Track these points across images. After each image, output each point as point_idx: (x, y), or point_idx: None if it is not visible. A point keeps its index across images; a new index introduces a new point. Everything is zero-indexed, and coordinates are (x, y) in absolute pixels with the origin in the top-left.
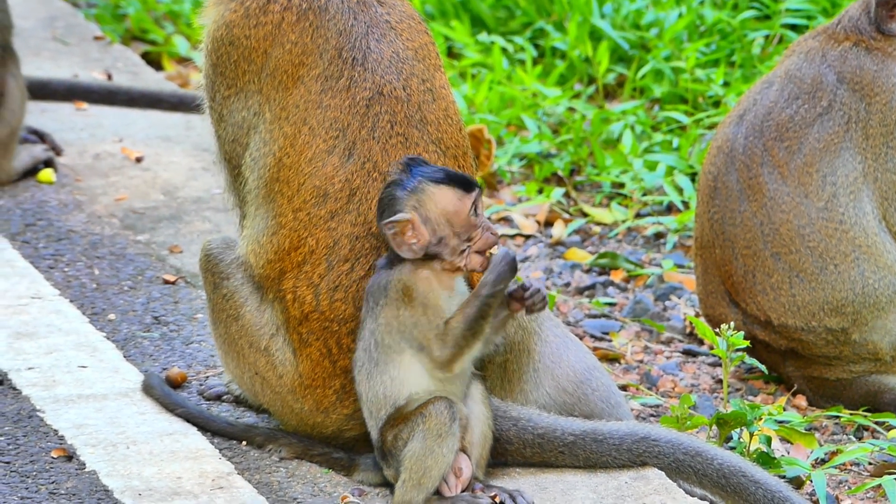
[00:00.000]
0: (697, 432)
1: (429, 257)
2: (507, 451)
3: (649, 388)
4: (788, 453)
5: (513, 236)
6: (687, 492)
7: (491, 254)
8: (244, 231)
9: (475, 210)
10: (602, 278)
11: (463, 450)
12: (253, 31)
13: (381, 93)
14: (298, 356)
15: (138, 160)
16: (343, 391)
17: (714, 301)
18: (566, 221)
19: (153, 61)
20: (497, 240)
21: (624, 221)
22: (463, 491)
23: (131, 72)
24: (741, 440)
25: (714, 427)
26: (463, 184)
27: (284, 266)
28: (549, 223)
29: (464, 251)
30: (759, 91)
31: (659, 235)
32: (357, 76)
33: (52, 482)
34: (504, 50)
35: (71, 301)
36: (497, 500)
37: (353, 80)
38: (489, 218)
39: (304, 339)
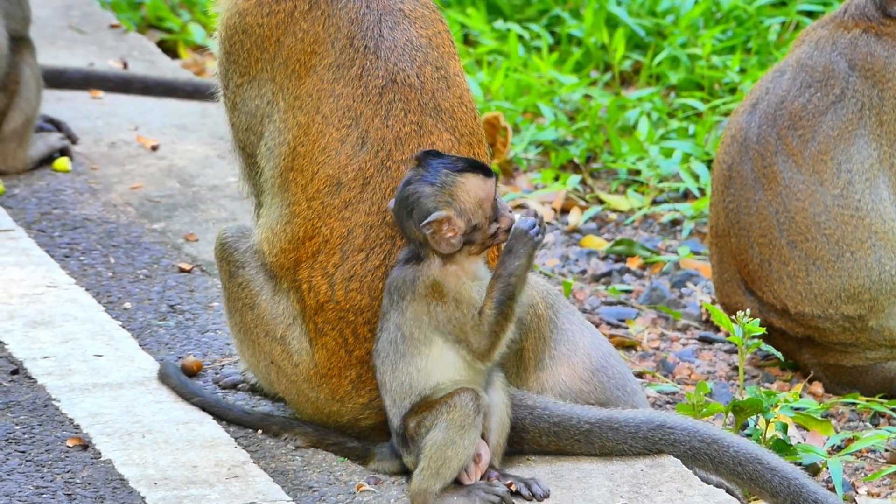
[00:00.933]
0: (713, 419)
1: (461, 245)
2: (524, 440)
3: (665, 376)
4: (804, 440)
5: None
6: (703, 479)
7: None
8: (259, 220)
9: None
10: (618, 265)
11: (481, 436)
12: (265, 19)
13: (394, 80)
14: (314, 346)
15: (154, 148)
16: (359, 380)
17: (730, 289)
18: (582, 209)
19: (169, 49)
20: (514, 217)
21: (640, 208)
22: (480, 478)
23: (147, 60)
24: (757, 427)
25: (730, 414)
26: (483, 169)
27: (300, 256)
28: (565, 210)
29: (495, 234)
30: (772, 80)
31: (675, 222)
32: (369, 64)
33: (68, 471)
34: (520, 37)
35: (86, 290)
36: (513, 488)
37: (364, 68)
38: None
39: (320, 329)
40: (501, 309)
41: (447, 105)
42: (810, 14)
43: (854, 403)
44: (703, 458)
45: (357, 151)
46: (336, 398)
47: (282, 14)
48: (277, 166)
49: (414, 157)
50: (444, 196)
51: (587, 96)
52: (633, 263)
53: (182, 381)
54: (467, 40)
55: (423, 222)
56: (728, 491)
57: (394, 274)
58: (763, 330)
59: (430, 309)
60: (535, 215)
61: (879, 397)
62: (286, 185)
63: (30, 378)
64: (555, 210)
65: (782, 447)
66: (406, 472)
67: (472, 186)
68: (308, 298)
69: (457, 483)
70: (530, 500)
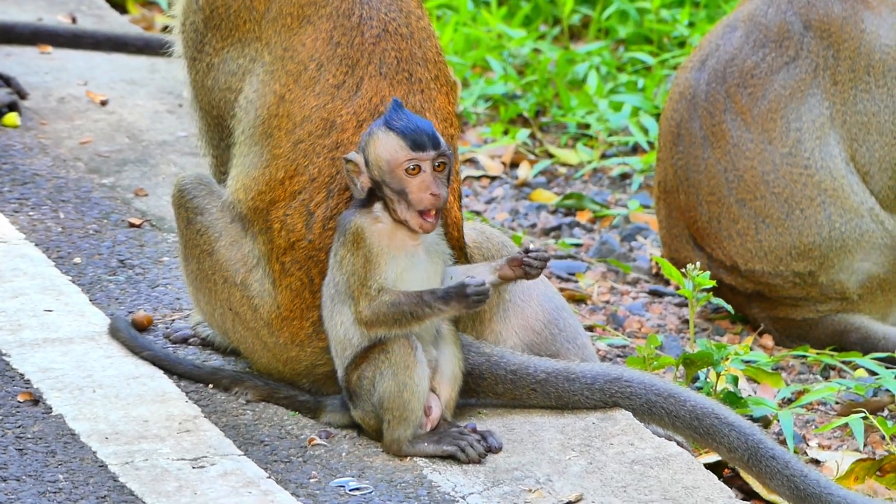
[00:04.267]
0: (664, 373)
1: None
2: (479, 387)
3: (616, 329)
4: (755, 393)
5: (478, 178)
6: (654, 434)
7: (435, 212)
8: (232, 171)
9: (418, 168)
10: (568, 219)
11: (432, 390)
12: None
13: (386, 30)
14: (278, 287)
15: (103, 103)
16: (321, 323)
17: (679, 245)
18: (532, 163)
19: (117, 4)
20: (435, 202)
21: (589, 162)
22: (432, 430)
23: (96, 15)
24: (708, 380)
25: (681, 367)
26: (414, 141)
27: (276, 196)
28: (514, 164)
29: (400, 205)
30: (722, 35)
31: (624, 176)
32: (365, 14)
33: (19, 426)
34: None
35: (36, 245)
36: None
37: (362, 17)
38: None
39: (286, 269)
40: (398, 317)
41: (431, 55)
42: None
43: (804, 356)
44: (659, 412)
45: (352, 96)
46: (296, 342)
47: None
48: (259, 116)
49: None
50: (363, 142)
51: (536, 50)
52: (582, 217)
53: (132, 335)
54: None
55: (343, 157)
56: (679, 444)
57: (344, 213)
58: (713, 283)
59: (345, 255)
60: (483, 284)
61: (829, 350)
62: (269, 132)
63: None
64: (504, 164)
65: (733, 400)
66: (357, 425)
67: (383, 145)
68: (278, 238)
69: (427, 434)
70: (485, 452)
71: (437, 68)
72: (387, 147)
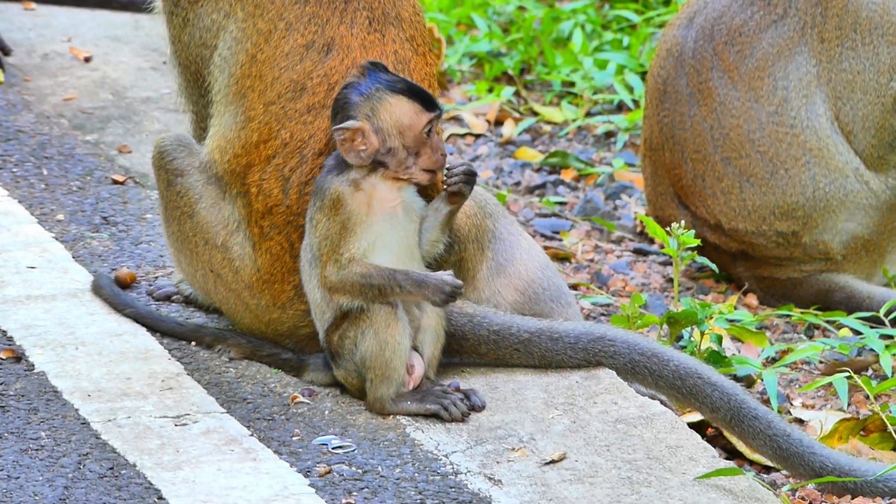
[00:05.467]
0: (648, 331)
1: (375, 165)
2: (462, 348)
3: (600, 288)
4: (739, 352)
5: (463, 135)
6: (638, 393)
7: (448, 170)
8: (210, 130)
9: (430, 129)
10: (552, 177)
11: (415, 348)
12: None
13: None
14: (258, 250)
15: (87, 60)
16: (301, 288)
17: (663, 203)
18: (516, 120)
19: None
20: (444, 160)
21: (574, 120)
22: (415, 389)
23: None
24: (692, 339)
25: (665, 326)
26: (423, 100)
27: (251, 159)
28: (499, 122)
29: (410, 166)
30: None
31: (609, 134)
32: None
33: (1, 383)
34: None
35: (19, 202)
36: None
37: None
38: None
39: (266, 233)
40: (365, 289)
41: (406, 14)
42: None
43: (788, 315)
44: (642, 371)
45: (322, 58)
46: (277, 305)
47: None
48: (233, 75)
49: (361, 64)
50: (367, 109)
51: (521, 8)
52: (567, 175)
53: (115, 293)
54: None
55: (336, 127)
56: (662, 403)
57: (319, 176)
58: (698, 242)
59: (321, 218)
60: (461, 284)
61: (814, 309)
62: (242, 92)
63: None
64: (489, 122)
65: (717, 359)
66: (340, 384)
67: (398, 109)
68: (256, 202)
69: (411, 393)
70: (469, 411)
71: (414, 28)
72: (405, 111)
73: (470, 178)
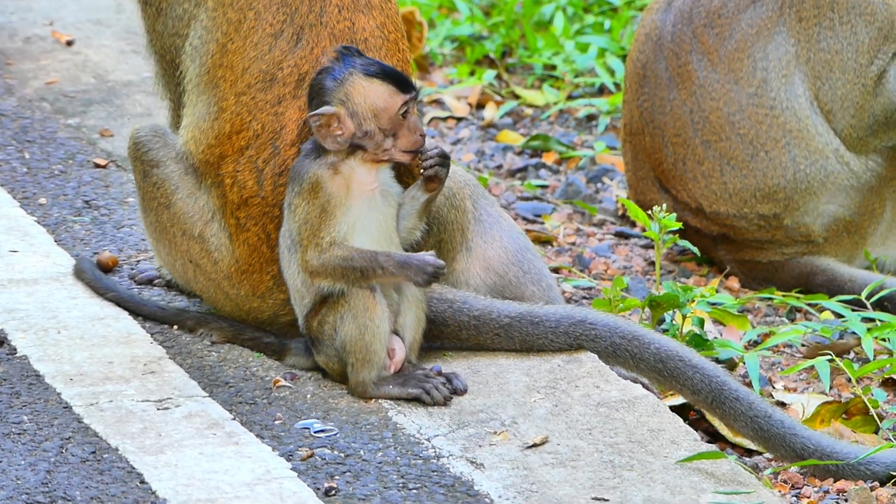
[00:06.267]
0: (630, 315)
1: (353, 148)
2: (443, 334)
3: (581, 271)
4: (721, 335)
5: (444, 119)
6: (620, 376)
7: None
8: (184, 121)
9: (406, 110)
10: (534, 160)
11: (396, 332)
12: None
13: None
14: (235, 241)
15: (69, 43)
16: (280, 276)
17: (644, 187)
18: (498, 104)
19: None
20: (423, 141)
21: (556, 103)
22: (396, 373)
23: None
24: (674, 322)
25: (646, 309)
26: (397, 82)
27: (224, 150)
28: (480, 105)
29: (388, 148)
30: None
31: (591, 117)
32: None
33: None
34: None
35: (1, 185)
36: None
37: None
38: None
39: (242, 224)
40: (347, 272)
41: (376, 2)
42: None
43: (770, 298)
44: (623, 354)
45: (292, 47)
46: (257, 294)
47: None
48: (204, 65)
49: (335, 49)
50: (341, 93)
51: None
52: (548, 158)
53: (97, 276)
54: None
55: (311, 113)
56: (644, 386)
57: (296, 162)
58: (679, 225)
59: (301, 203)
60: (443, 265)
61: (796, 292)
62: (214, 82)
63: None
64: (470, 105)
65: (699, 342)
66: (321, 368)
67: (372, 92)
68: (231, 193)
69: (392, 377)
70: (451, 395)
71: (384, 14)
72: (379, 94)
73: (444, 160)
